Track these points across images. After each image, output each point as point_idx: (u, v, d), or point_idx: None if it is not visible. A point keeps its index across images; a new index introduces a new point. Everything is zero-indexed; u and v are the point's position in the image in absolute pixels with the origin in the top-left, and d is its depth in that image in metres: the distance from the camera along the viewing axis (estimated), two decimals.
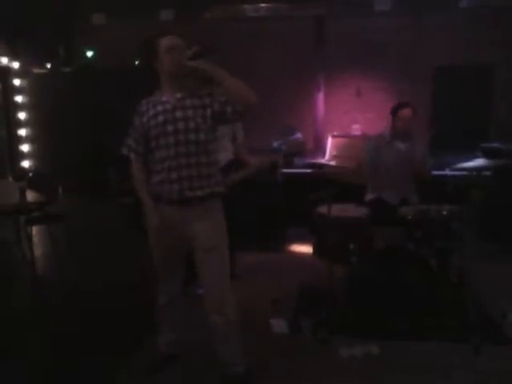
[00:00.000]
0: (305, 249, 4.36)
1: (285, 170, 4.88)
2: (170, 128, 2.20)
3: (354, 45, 6.30)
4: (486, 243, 4.09)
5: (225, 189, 2.36)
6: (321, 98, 6.53)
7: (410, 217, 3.04)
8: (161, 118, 2.22)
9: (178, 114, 2.21)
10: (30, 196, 3.94)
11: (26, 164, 6.47)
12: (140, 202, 2.37)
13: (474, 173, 2.90)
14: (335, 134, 5.84)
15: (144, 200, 2.32)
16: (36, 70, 6.47)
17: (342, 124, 6.34)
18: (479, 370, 2.52)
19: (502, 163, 3.45)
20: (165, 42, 2.21)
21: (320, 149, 6.12)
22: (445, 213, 3.01)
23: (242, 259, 4.01)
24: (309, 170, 4.69)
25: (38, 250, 4.38)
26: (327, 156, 5.57)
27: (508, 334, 2.85)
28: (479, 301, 3.06)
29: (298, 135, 6.00)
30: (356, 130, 6.15)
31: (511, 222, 4.37)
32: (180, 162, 2.20)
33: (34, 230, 4.72)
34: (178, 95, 2.24)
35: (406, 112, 3.52)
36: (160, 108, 2.24)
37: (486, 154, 4.35)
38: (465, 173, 3.17)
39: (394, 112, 3.57)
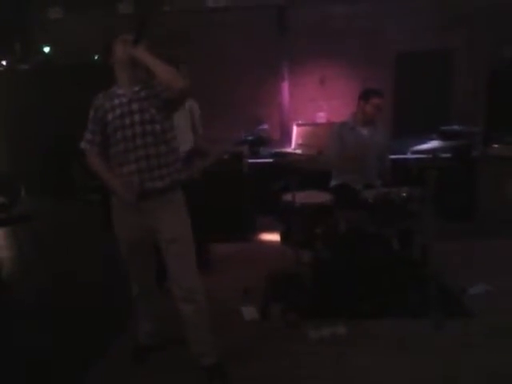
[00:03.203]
0: (274, 237, 4.40)
1: (251, 160, 4.90)
2: (127, 121, 2.21)
3: (316, 33, 6.35)
4: (446, 222, 4.25)
5: (185, 176, 2.40)
6: (285, 87, 6.56)
7: (370, 200, 3.12)
8: (118, 112, 2.22)
9: (134, 106, 2.22)
10: None
11: None
12: (107, 197, 2.37)
13: (431, 155, 3.00)
14: (300, 122, 5.90)
15: (111, 181, 2.27)
16: None
17: (308, 112, 6.42)
18: (439, 343, 2.63)
19: (458, 144, 3.57)
20: (120, 36, 2.23)
21: (287, 138, 6.18)
22: (404, 194, 3.11)
23: (212, 250, 4.04)
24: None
25: (4, 253, 4.30)
26: (293, 145, 5.63)
27: (467, 307, 2.98)
28: (440, 277, 3.17)
29: (264, 125, 6.03)
30: (321, 117, 6.23)
31: (469, 200, 4.55)
32: (139, 155, 2.22)
33: None
34: (135, 88, 2.25)
35: (378, 101, 3.50)
36: (116, 101, 2.24)
37: (445, 136, 4.50)
38: (422, 155, 3.27)
39: (366, 97, 3.53)
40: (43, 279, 3.72)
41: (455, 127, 5.06)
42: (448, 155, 4.40)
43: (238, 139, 5.07)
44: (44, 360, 2.62)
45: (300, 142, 5.51)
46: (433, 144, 3.09)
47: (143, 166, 2.22)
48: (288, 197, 3.19)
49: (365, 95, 3.55)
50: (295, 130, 5.77)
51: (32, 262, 4.05)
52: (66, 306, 3.27)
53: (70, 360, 2.63)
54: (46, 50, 6.28)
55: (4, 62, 6.28)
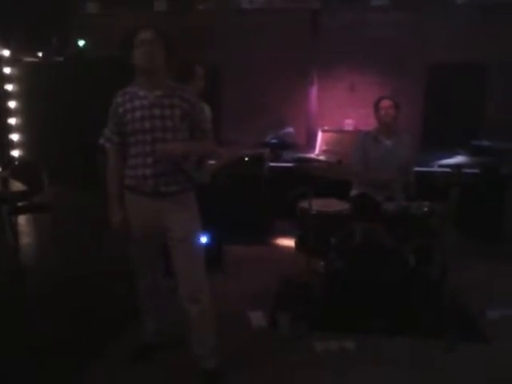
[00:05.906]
0: (290, 242, 4.34)
1: (272, 164, 4.86)
2: (147, 125, 2.20)
3: (348, 39, 6.26)
4: (471, 241, 4.09)
5: (198, 179, 2.39)
6: (314, 92, 6.49)
7: (390, 212, 3.03)
8: (138, 114, 2.21)
9: (156, 111, 2.20)
10: (16, 185, 3.92)
11: (15, 153, 6.45)
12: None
13: (455, 170, 2.88)
14: (325, 128, 5.82)
15: (110, 194, 2.35)
16: (27, 59, 6.43)
17: (335, 118, 6.32)
18: (449, 367, 2.51)
19: (486, 160, 3.43)
20: (138, 35, 2.18)
21: (312, 143, 6.10)
22: (425, 209, 3.00)
23: (226, 251, 4.01)
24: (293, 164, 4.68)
25: (24, 240, 4.38)
26: (317, 150, 5.56)
27: (483, 331, 2.85)
28: (457, 298, 3.05)
29: (290, 129, 5.97)
30: (348, 124, 6.12)
31: (496, 220, 4.36)
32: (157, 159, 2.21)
33: (22, 219, 4.72)
34: (157, 92, 2.22)
35: (385, 102, 3.57)
36: (137, 103, 2.22)
37: (474, 151, 4.33)
38: (448, 169, 3.16)
39: (376, 105, 3.62)
40: (56, 268, 3.77)
41: (485, 142, 4.89)
42: (476, 171, 4.24)
43: (254, 142, 5.03)
44: (47, 350, 2.64)
45: (324, 148, 5.43)
46: (459, 159, 2.98)
47: (159, 171, 2.22)
48: (305, 203, 3.13)
49: (375, 103, 3.64)
50: (320, 135, 5.70)
51: (48, 251, 4.11)
52: (79, 295, 3.31)
53: (76, 348, 2.64)
54: (81, 43, 6.40)
55: (40, 54, 6.44)
